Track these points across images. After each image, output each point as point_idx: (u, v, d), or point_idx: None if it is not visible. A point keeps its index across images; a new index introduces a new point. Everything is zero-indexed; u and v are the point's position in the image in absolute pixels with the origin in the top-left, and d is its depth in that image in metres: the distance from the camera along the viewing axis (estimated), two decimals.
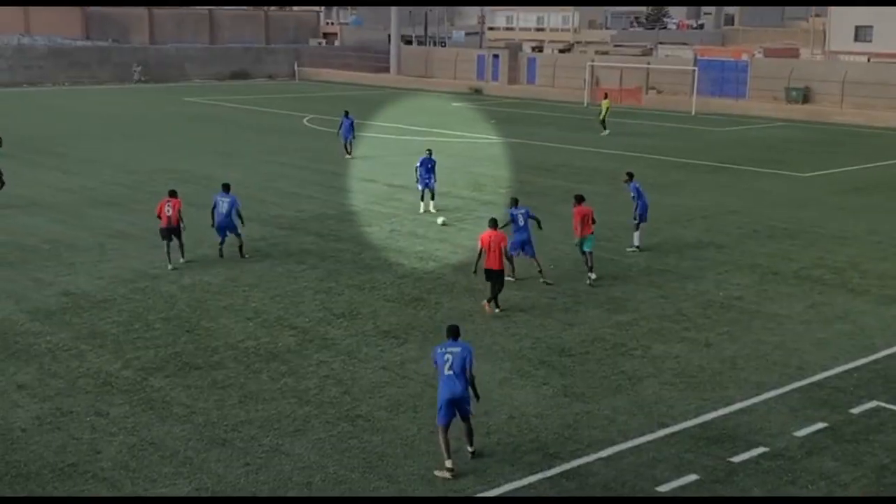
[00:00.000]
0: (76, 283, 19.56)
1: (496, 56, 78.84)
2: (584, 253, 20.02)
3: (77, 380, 14.38)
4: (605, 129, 48.13)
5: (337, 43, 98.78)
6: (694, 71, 63.91)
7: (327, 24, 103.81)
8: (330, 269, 21.01)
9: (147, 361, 15.22)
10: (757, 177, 34.88)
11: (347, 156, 37.56)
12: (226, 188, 21.99)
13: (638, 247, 23.10)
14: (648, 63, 69.80)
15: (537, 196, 30.66)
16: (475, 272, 17.92)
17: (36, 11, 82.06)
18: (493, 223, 17.98)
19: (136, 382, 14.30)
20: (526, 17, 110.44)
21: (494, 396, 14.03)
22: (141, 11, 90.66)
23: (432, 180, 27.02)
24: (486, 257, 17.60)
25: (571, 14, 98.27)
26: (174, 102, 62.27)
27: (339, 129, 38.90)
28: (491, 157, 39.09)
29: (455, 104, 66.10)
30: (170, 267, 20.70)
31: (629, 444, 12.49)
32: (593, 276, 20.08)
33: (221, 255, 21.63)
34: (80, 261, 21.39)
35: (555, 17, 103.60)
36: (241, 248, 21.87)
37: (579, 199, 20.30)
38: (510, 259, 18.44)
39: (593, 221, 20.24)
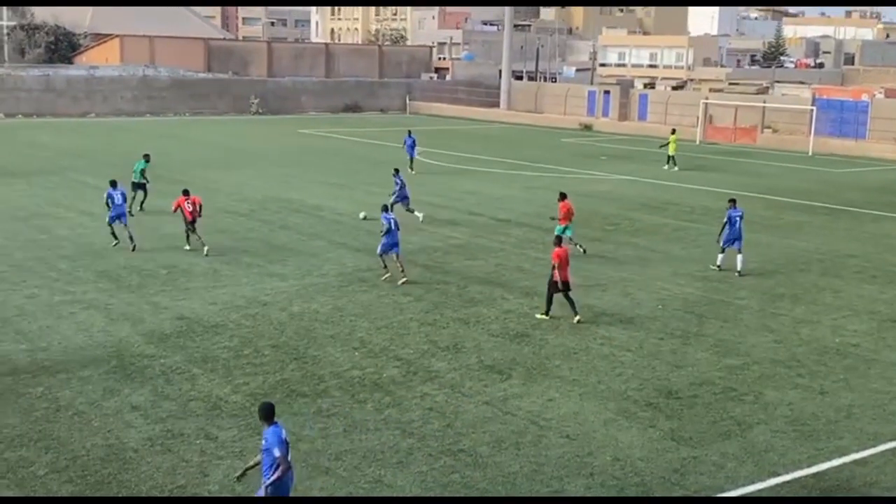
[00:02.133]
0: (190, 308, 20.15)
1: (607, 92, 78.48)
2: (560, 236, 22.88)
3: (188, 403, 14.78)
4: (673, 165, 48.06)
5: (448, 77, 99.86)
6: (812, 110, 62.29)
7: (440, 59, 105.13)
8: (435, 302, 21.12)
9: (256, 387, 15.53)
10: (876, 220, 33.68)
11: (410, 171, 41.96)
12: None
13: (719, 266, 24.68)
14: (764, 101, 68.34)
15: (645, 234, 30.26)
16: (553, 288, 19.82)
17: (161, 43, 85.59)
18: (559, 240, 20.47)
19: (245, 407, 14.61)
20: (638, 54, 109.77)
21: (598, 437, 13.83)
22: (260, 45, 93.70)
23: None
24: (562, 270, 19.60)
25: (686, 51, 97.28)
26: (289, 134, 63.89)
27: (404, 146, 44.07)
28: (600, 194, 38.80)
29: (564, 140, 65.98)
30: (187, 247, 25.50)
31: (738, 491, 12.12)
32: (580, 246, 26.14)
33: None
34: (195, 286, 22.05)
35: (668, 53, 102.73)
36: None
37: (563, 196, 26.15)
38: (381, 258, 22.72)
39: (572, 215, 25.98)
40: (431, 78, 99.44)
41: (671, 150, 48.59)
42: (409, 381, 15.99)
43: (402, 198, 30.95)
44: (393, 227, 22.89)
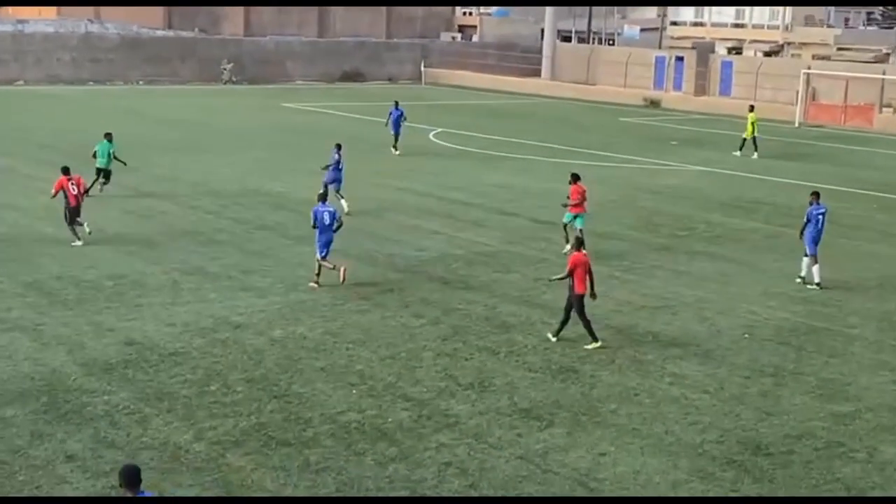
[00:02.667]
0: (143, 331, 20.23)
1: (680, 59, 78.47)
2: (566, 227, 23.59)
3: (138, 452, 14.84)
4: (753, 150, 48.72)
5: (475, 38, 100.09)
6: None
7: (464, 14, 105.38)
8: (456, 326, 21.14)
9: (224, 433, 15.59)
10: None
11: (395, 152, 44.82)
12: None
13: (818, 284, 24.79)
14: (884, 73, 68.07)
15: (727, 242, 30.19)
16: (551, 281, 21.76)
17: None
18: (580, 243, 20.76)
19: (211, 459, 14.66)
20: (720, 11, 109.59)
21: None
22: None
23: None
24: (575, 281, 19.93)
25: (782, 9, 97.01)
26: (271, 108, 64.20)
27: (388, 121, 45.92)
28: (669, 190, 38.74)
29: (624, 119, 65.96)
30: (80, 243, 26.43)
31: None
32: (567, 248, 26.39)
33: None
34: (149, 302, 22.14)
35: (759, 10, 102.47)
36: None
37: (575, 178, 28.41)
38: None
39: (584, 199, 27.87)
40: (453, 39, 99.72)
41: (748, 133, 49.00)
42: (422, 428, 15.99)
43: (334, 180, 32.54)
44: (327, 220, 23.86)
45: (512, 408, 16.93)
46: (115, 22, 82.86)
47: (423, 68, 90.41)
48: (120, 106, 62.19)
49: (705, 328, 21.69)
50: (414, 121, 59.17)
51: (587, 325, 20.01)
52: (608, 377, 18.48)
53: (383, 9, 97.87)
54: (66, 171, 27.44)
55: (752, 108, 51.18)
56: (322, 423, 16.07)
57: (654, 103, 75.22)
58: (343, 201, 31.83)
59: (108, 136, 34.15)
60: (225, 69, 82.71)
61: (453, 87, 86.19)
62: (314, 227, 23.91)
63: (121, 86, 77.95)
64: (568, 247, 26.27)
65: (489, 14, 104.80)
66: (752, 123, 48.89)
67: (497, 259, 26.99)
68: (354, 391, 17.43)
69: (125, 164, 34.40)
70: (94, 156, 33.86)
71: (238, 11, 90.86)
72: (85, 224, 27.12)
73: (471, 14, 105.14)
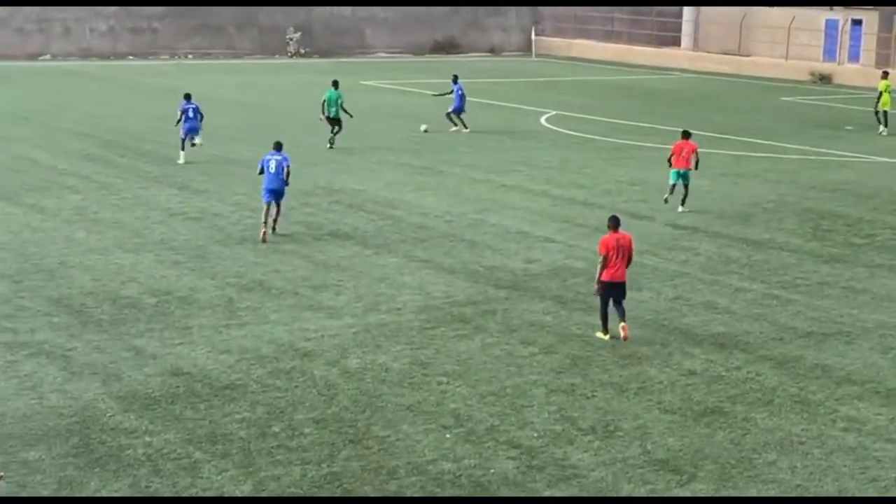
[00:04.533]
0: (191, 358, 20.50)
1: (857, 22, 77.29)
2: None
3: None
4: (882, 124, 50.37)
5: None
6: None
7: None
8: (574, 356, 21.10)
9: (290, 484, 15.72)
10: None
11: (465, 129, 47.71)
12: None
13: None
14: None
15: None
16: (596, 291, 22.07)
17: None
18: (615, 222, 22.09)
19: None
20: None
21: None
22: None
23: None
24: (608, 267, 21.66)
25: None
26: (346, 87, 64.40)
27: (451, 96, 48.33)
28: (844, 187, 38.20)
29: (785, 99, 65.24)
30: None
31: None
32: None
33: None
34: (199, 324, 22.44)
35: None
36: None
37: (687, 135, 33.97)
38: None
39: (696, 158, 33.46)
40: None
41: (884, 104, 50.22)
42: (532, 482, 15.98)
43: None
44: (272, 170, 29.28)
45: (644, 458, 16.83)
46: None
47: (533, 37, 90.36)
48: (165, 85, 63.15)
49: (889, 361, 21.34)
50: (522, 101, 59.30)
51: (604, 313, 21.95)
52: (765, 421, 18.27)
53: None
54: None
55: (885, 75, 51.91)
56: (409, 473, 16.14)
57: (824, 78, 74.23)
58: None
59: (336, 84, 43.49)
60: (291, 40, 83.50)
61: (571, 61, 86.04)
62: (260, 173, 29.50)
63: (166, 60, 79.25)
64: (681, 208, 33.38)
65: None
66: (887, 92, 50.22)
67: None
68: (448, 435, 17.46)
69: (351, 116, 42.97)
70: (323, 106, 43.19)
71: None
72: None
73: None
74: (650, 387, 19.66)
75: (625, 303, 22.12)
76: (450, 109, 48.14)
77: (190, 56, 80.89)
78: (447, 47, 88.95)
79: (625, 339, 21.72)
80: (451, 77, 49.42)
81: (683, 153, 33.33)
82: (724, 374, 20.26)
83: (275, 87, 64.53)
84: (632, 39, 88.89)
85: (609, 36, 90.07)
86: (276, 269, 26.55)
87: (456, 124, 48.03)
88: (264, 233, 28.92)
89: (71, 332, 21.75)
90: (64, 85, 63.12)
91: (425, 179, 37.65)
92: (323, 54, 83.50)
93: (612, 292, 21.88)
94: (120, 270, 26.08)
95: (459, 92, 47.89)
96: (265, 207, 29.22)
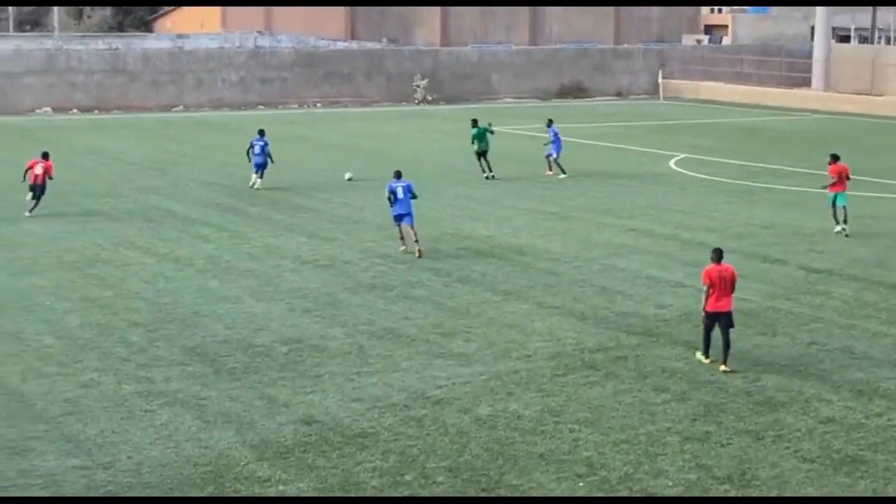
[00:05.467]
0: (323, 407, 20.62)
1: None
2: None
3: None
4: None
5: (726, 41, 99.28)
6: None
7: (712, 11, 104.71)
8: (708, 403, 20.84)
9: None
10: None
11: (562, 175, 47.81)
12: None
13: None
14: None
15: None
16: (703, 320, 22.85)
17: None
18: (718, 254, 22.81)
19: None
20: None
21: None
22: None
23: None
24: (712, 297, 22.46)
25: None
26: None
27: (548, 143, 48.49)
28: None
29: None
30: (27, 214, 37.33)
31: None
32: (845, 228, 34.96)
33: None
34: (330, 372, 22.57)
35: None
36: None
37: (835, 158, 35.65)
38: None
39: (848, 178, 35.38)
40: (698, 42, 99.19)
41: None
42: None
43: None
44: (399, 195, 32.56)
45: None
46: (288, 34, 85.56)
47: (660, 80, 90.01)
48: (294, 134, 63.98)
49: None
50: (650, 145, 59.05)
51: (707, 338, 22.75)
52: None
53: (610, 9, 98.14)
54: (45, 155, 38.84)
55: None
56: None
57: None
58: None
59: (475, 122, 46.75)
60: (418, 86, 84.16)
61: (699, 102, 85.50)
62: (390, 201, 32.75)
63: (295, 109, 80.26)
64: (838, 227, 35.09)
65: (744, 11, 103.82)
66: None
67: (759, 318, 26.47)
68: (581, 484, 17.31)
69: (492, 132, 47.26)
70: (473, 142, 46.99)
71: (433, 16, 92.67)
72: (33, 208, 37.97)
73: (720, 12, 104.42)
74: (787, 434, 19.32)
75: (732, 333, 22.74)
76: (554, 154, 48.22)
77: (318, 104, 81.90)
78: (574, 91, 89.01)
79: (724, 371, 22.44)
80: (546, 121, 49.97)
81: (842, 176, 35.59)
82: (864, 421, 19.84)
83: (402, 134, 65.01)
84: (761, 80, 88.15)
85: (737, 77, 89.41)
86: (406, 316, 26.64)
87: (551, 169, 48.29)
88: (418, 250, 32.53)
89: (205, 380, 22.01)
90: (196, 135, 64.26)
91: (554, 225, 37.57)
92: (450, 100, 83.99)
93: (719, 321, 22.61)
94: (252, 319, 26.37)
95: (556, 135, 48.18)
96: (399, 230, 33.15)
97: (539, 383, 21.92)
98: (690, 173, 49.66)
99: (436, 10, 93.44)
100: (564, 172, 47.85)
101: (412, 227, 32.78)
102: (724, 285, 22.55)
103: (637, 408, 20.62)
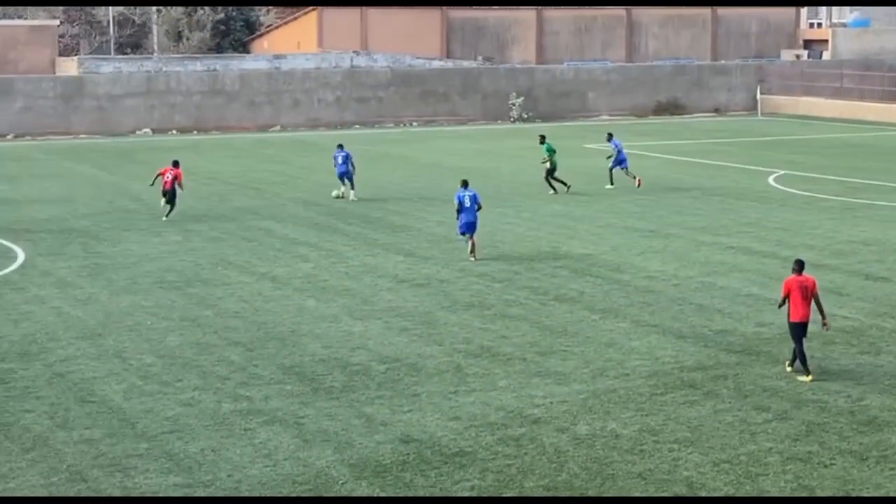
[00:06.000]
0: (421, 425, 20.67)
1: None
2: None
3: None
4: None
5: (826, 56, 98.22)
6: None
7: (811, 26, 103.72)
8: (810, 423, 20.62)
9: None
10: None
11: (609, 185, 49.40)
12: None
13: None
14: None
15: None
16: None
17: (378, 17, 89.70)
18: (800, 265, 23.11)
19: None
20: None
21: None
22: (526, 15, 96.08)
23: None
24: (794, 308, 22.77)
25: None
26: (569, 150, 64.75)
27: (615, 156, 49.64)
28: None
29: None
30: (164, 219, 41.53)
31: None
32: None
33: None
34: (428, 391, 22.62)
35: None
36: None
37: None
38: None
39: None
40: (797, 58, 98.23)
41: None
42: None
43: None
44: (466, 204, 34.07)
45: None
46: (384, 53, 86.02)
47: (758, 96, 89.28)
48: (390, 153, 64.38)
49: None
50: (749, 161, 58.65)
51: (801, 354, 22.89)
52: None
53: (707, 25, 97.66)
54: (175, 163, 42.95)
55: None
56: None
57: None
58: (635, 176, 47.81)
59: (543, 138, 48.49)
60: (514, 104, 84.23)
61: (798, 118, 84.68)
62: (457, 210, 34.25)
63: (391, 128, 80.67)
64: None
65: (843, 25, 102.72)
66: None
67: (862, 337, 26.17)
68: None
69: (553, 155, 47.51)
70: (551, 157, 47.61)
71: (529, 35, 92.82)
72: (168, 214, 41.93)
73: (819, 26, 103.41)
74: (892, 455, 19.04)
75: (805, 342, 23.06)
76: (622, 167, 49.48)
77: (414, 123, 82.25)
78: (670, 108, 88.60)
79: (788, 370, 23.33)
80: (606, 136, 51.52)
81: None
82: None
83: (498, 152, 65.05)
84: (862, 96, 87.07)
85: (838, 92, 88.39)
86: (503, 334, 26.64)
87: (635, 177, 49.27)
88: (472, 249, 34.60)
89: (303, 399, 22.15)
90: (293, 155, 64.80)
91: (651, 242, 37.38)
92: (545, 118, 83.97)
93: (795, 330, 23.02)
94: (349, 338, 26.50)
95: (619, 147, 49.55)
96: (466, 239, 34.77)
97: (637, 402, 21.82)
98: (790, 190, 49.19)
99: (531, 29, 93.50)
100: (612, 183, 49.54)
101: (473, 237, 34.59)
102: (806, 296, 22.93)
103: (737, 427, 20.44)
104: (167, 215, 41.72)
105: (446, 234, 38.62)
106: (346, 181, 46.61)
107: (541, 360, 24.55)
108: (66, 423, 20.80)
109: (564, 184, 47.86)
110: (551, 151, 47.64)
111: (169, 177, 41.98)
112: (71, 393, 22.53)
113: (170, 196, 41.89)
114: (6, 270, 33.69)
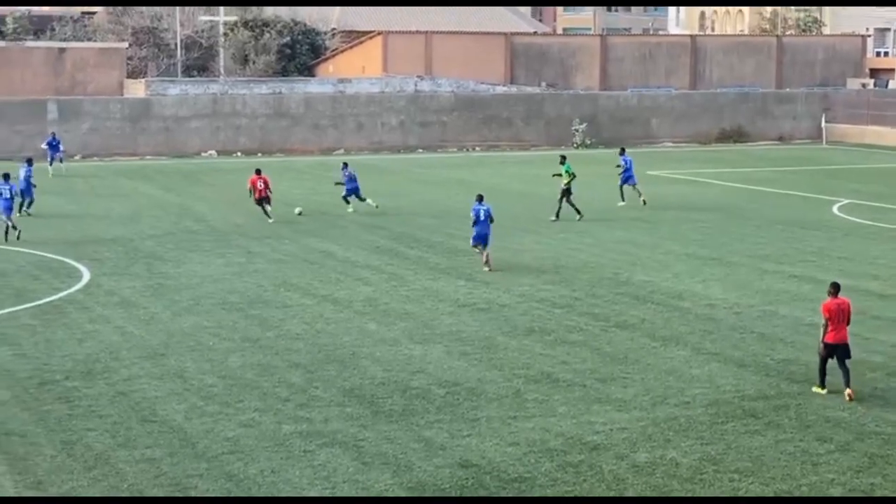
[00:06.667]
0: (480, 450, 20.62)
1: None
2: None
3: None
4: None
5: (893, 85, 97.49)
6: None
7: (877, 54, 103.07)
8: (873, 455, 20.40)
9: None
10: None
11: (621, 202, 51.56)
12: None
13: None
14: None
15: None
16: (820, 351, 23.74)
17: (442, 42, 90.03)
18: (836, 288, 23.65)
19: None
20: None
21: None
22: (590, 42, 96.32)
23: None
24: (831, 330, 23.29)
25: None
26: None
27: (625, 171, 51.64)
28: None
29: None
30: (270, 221, 46.14)
31: None
32: None
33: None
34: (487, 416, 22.58)
35: None
36: None
37: None
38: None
39: None
40: (863, 86, 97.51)
41: None
42: None
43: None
44: (481, 217, 36.56)
45: None
46: (448, 78, 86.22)
47: (823, 124, 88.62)
48: (453, 177, 64.43)
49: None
50: (813, 190, 58.23)
51: (822, 369, 23.72)
52: None
53: (773, 52, 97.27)
54: (258, 171, 47.68)
55: None
56: None
57: None
58: (370, 201, 49.35)
59: (564, 158, 48.94)
60: (577, 130, 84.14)
61: (864, 147, 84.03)
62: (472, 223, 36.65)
63: (454, 153, 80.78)
64: None
65: None
66: None
67: None
68: None
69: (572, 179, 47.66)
70: (568, 178, 47.60)
71: (593, 61, 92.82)
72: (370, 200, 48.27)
73: (885, 55, 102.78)
74: None
75: (849, 363, 23.55)
76: (630, 183, 51.63)
77: (477, 148, 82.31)
78: (734, 136, 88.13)
79: (849, 400, 23.19)
80: (619, 150, 53.65)
81: None
82: None
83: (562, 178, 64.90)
84: None
85: None
86: (563, 360, 26.57)
87: (641, 195, 51.27)
88: (487, 259, 36.70)
89: (362, 422, 22.19)
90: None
91: (713, 270, 37.18)
92: (608, 144, 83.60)
93: (836, 352, 23.51)
94: (410, 361, 26.53)
95: (628, 164, 51.52)
96: (480, 251, 36.97)
97: (698, 430, 21.69)
98: (855, 219, 48.78)
99: (595, 55, 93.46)
100: (623, 200, 51.84)
101: (485, 249, 36.75)
102: (842, 318, 23.51)
103: (799, 458, 20.27)
104: (271, 218, 46.55)
105: (507, 259, 38.59)
106: (356, 198, 49.60)
107: (601, 387, 24.46)
108: (127, 442, 20.96)
109: (577, 210, 47.80)
110: (570, 173, 47.96)
111: (261, 185, 46.59)
112: (133, 412, 22.70)
113: (266, 201, 46.88)
114: (71, 290, 34.01)
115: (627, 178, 51.57)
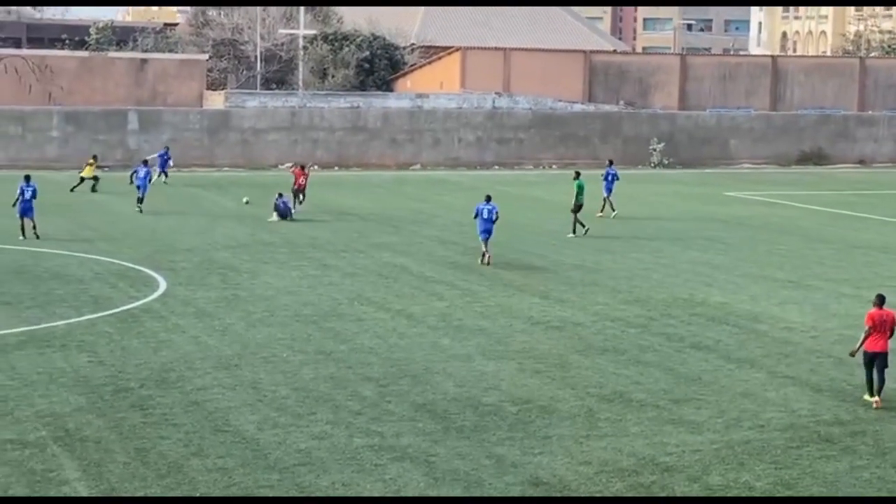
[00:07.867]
0: (551, 468, 20.58)
1: None
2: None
3: None
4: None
5: None
6: None
7: None
8: None
9: None
10: None
11: (612, 214, 53.72)
12: None
13: None
14: None
15: None
16: (852, 353, 24.90)
17: (522, 59, 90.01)
18: (881, 300, 24.50)
19: None
20: None
21: None
22: (669, 61, 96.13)
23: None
24: (870, 338, 24.15)
25: None
26: (709, 197, 64.42)
27: (605, 181, 54.35)
28: None
29: None
30: (294, 211, 50.63)
31: None
32: None
33: None
34: (559, 434, 22.51)
35: None
36: None
37: None
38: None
39: None
40: None
41: None
42: None
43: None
44: (484, 215, 39.81)
45: None
46: (526, 96, 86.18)
47: None
48: (529, 194, 64.44)
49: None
50: (892, 214, 57.61)
51: (869, 378, 24.41)
52: None
53: (855, 74, 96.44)
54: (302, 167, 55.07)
55: None
56: None
57: None
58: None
59: (578, 174, 49.08)
60: (654, 150, 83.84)
61: None
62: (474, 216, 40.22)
63: (530, 170, 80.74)
64: None
65: None
66: None
67: None
68: None
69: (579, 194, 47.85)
70: (578, 195, 48.08)
71: (672, 80, 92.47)
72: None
73: None
74: None
75: (886, 372, 24.42)
76: (606, 194, 54.20)
77: (553, 166, 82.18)
78: (814, 158, 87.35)
79: (876, 407, 24.20)
80: (607, 161, 56.43)
81: None
82: None
83: (637, 196, 64.68)
84: None
85: None
86: (636, 380, 26.46)
87: (602, 210, 53.93)
88: (487, 259, 40.29)
89: (434, 437, 22.21)
90: (432, 193, 65.14)
91: (790, 293, 36.89)
92: (686, 165, 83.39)
93: (875, 361, 24.34)
94: (482, 377, 26.53)
95: (609, 176, 54.24)
96: (483, 244, 40.39)
97: (772, 454, 21.51)
98: None
99: (675, 74, 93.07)
100: (614, 210, 54.17)
101: (487, 243, 40.39)
102: (884, 328, 24.32)
103: (875, 485, 20.05)
104: (296, 210, 51.71)
105: (582, 278, 38.54)
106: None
107: (674, 408, 24.34)
108: (200, 451, 21.12)
109: (583, 225, 48.41)
110: (580, 189, 48.44)
111: (303, 180, 53.63)
112: (206, 422, 22.87)
113: (301, 192, 53.11)
114: (148, 299, 34.35)
115: (608, 189, 54.10)
